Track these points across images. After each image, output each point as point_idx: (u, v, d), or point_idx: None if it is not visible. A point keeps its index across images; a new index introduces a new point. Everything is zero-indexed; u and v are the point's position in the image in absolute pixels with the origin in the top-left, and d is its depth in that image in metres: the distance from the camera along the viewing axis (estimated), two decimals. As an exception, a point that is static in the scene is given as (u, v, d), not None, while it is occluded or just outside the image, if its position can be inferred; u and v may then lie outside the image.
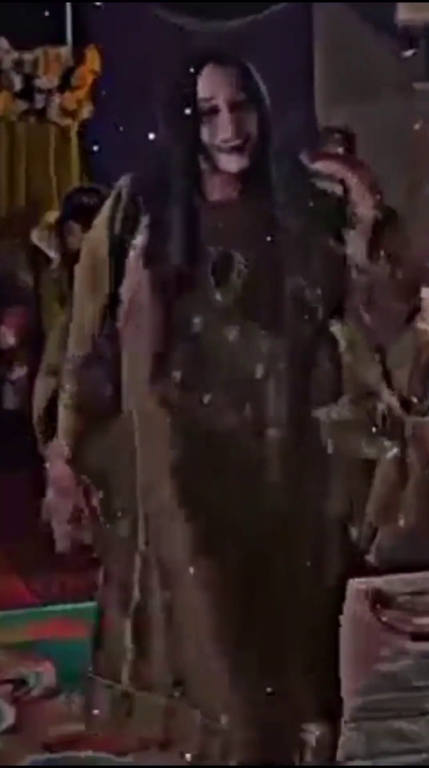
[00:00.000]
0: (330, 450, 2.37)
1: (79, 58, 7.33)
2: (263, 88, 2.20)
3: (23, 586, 4.68)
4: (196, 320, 2.22)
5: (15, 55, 7.20)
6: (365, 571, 4.45)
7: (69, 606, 4.25)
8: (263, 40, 6.62)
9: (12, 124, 7.34)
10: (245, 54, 2.20)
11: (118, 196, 2.32)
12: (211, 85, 2.14)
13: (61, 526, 2.60)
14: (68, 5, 7.28)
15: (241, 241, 2.22)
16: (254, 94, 2.18)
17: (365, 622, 3.70)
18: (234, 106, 2.15)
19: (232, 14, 6.38)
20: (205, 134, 2.15)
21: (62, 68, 7.30)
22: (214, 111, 2.14)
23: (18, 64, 7.20)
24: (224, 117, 2.14)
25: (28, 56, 7.22)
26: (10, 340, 6.14)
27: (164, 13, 6.96)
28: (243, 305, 2.21)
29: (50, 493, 2.44)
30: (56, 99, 7.32)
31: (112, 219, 2.30)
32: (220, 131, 2.15)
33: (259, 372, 2.25)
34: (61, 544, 2.91)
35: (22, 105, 7.30)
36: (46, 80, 7.27)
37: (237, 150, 2.16)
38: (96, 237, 2.37)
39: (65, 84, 7.33)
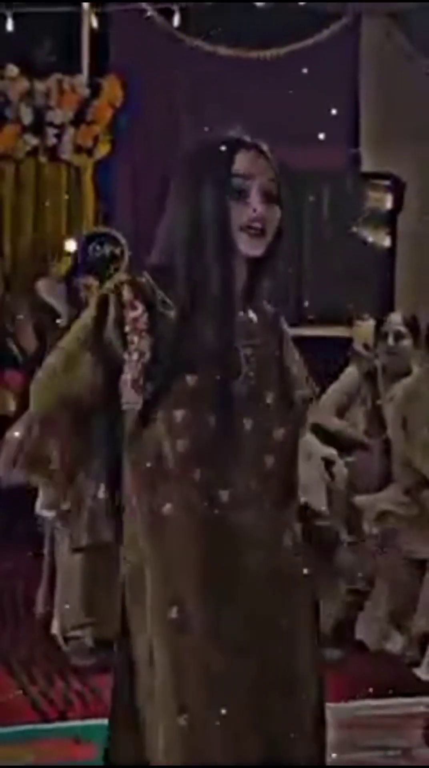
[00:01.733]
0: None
1: (96, 88, 7.27)
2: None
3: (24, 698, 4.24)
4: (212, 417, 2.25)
5: (25, 83, 7.10)
6: (415, 688, 4.09)
7: (78, 724, 3.89)
8: (304, 72, 6.65)
9: (18, 162, 7.21)
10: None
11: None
12: (248, 166, 2.26)
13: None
14: (85, 29, 7.27)
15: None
16: (280, 195, 2.31)
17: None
18: (265, 195, 2.27)
19: (272, 43, 6.70)
20: (235, 212, 2.24)
21: (77, 100, 7.22)
22: (245, 192, 2.26)
23: (28, 95, 7.12)
24: (255, 198, 2.25)
25: (40, 86, 7.14)
26: (10, 405, 5.93)
27: (200, 43, 7.12)
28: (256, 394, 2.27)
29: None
30: (70, 134, 7.21)
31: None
32: (250, 211, 2.25)
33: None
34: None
35: (31, 140, 7.19)
36: (59, 113, 7.17)
37: (261, 233, 2.25)
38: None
39: (80, 118, 7.23)
